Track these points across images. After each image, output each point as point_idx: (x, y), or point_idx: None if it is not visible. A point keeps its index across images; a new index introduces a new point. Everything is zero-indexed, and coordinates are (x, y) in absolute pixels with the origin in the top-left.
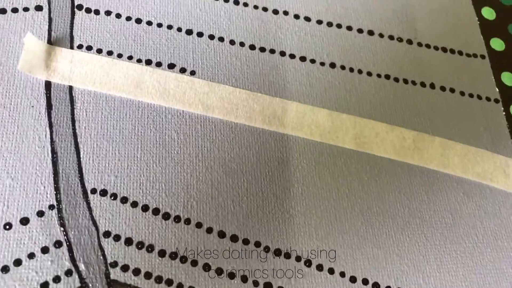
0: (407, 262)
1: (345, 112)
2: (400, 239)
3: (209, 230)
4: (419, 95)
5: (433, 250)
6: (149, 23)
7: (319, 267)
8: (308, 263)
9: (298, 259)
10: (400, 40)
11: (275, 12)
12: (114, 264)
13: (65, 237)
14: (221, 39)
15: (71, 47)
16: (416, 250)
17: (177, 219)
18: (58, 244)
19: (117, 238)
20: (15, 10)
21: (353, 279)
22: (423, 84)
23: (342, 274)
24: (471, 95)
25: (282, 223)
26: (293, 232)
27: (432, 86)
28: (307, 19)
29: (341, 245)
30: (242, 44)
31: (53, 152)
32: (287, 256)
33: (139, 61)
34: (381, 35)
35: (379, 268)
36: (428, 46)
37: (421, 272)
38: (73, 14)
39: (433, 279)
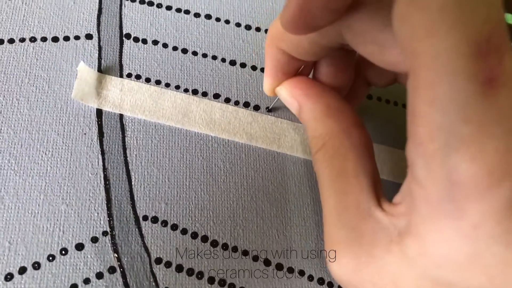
0: None
1: (401, 149)
2: None
3: (255, 258)
4: None
5: None
6: (195, 53)
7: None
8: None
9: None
10: None
11: None
12: None
13: (119, 263)
14: (262, 70)
15: (121, 76)
16: None
17: (225, 246)
18: (112, 270)
19: (168, 264)
20: (66, 39)
21: None
22: None
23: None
24: None
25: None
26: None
27: None
28: None
29: None
30: None
31: (106, 179)
32: (330, 285)
33: (186, 90)
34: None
35: None
36: None
37: None
38: (121, 43)
39: None
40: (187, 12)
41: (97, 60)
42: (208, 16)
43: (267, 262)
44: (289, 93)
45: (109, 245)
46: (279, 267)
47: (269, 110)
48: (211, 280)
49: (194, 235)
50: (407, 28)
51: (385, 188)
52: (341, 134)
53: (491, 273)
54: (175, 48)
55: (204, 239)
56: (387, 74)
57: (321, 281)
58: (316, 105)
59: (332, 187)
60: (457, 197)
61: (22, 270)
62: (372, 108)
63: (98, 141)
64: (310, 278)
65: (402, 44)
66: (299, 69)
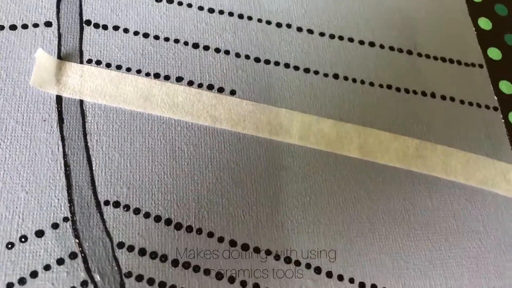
0: (414, 267)
1: (349, 122)
2: (406, 245)
3: (221, 240)
4: (420, 104)
5: (438, 255)
6: (156, 37)
7: (329, 274)
8: (318, 270)
9: (308, 266)
10: (400, 51)
11: (279, 25)
12: (129, 275)
13: (80, 249)
14: (227, 52)
15: (81, 62)
16: (422, 255)
17: (189, 229)
18: (73, 255)
19: (130, 248)
20: (25, 26)
21: (362, 285)
22: (424, 94)
23: (351, 280)
24: (470, 104)
25: (291, 231)
26: (303, 241)
27: (433, 95)
28: (310, 31)
29: (349, 251)
30: (247, 57)
31: (66, 165)
32: (297, 263)
33: (147, 74)
34: (381, 46)
35: (387, 273)
36: (427, 56)
37: (427, 277)
38: (81, 29)
39: (439, 283)
40: None
41: (56, 47)
42: (170, 1)
43: (232, 243)
44: None
45: (70, 231)
46: (245, 247)
47: None
48: (175, 263)
49: (158, 219)
50: None
51: None
52: None
53: None
54: (136, 33)
55: (168, 222)
56: None
57: (287, 259)
58: None
59: None
60: None
61: None
62: None
63: (58, 127)
64: (277, 257)
65: None
66: None
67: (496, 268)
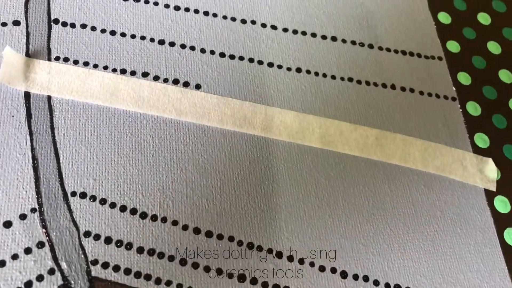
0: (373, 251)
1: (311, 113)
2: (365, 230)
3: (185, 227)
4: (381, 96)
5: (397, 239)
6: (123, 34)
7: (290, 258)
8: (279, 255)
9: (269, 251)
10: (361, 45)
11: (243, 21)
12: (95, 262)
13: (47, 238)
14: (192, 48)
15: (49, 59)
16: (381, 239)
17: (154, 218)
18: (40, 245)
19: (97, 237)
20: None
21: (322, 268)
22: (384, 85)
23: (312, 264)
24: (429, 94)
25: (254, 218)
26: (265, 226)
27: (393, 87)
28: (274, 27)
29: (310, 237)
30: (212, 52)
31: (34, 158)
32: (259, 248)
33: (114, 70)
34: (343, 41)
35: (347, 257)
36: (388, 49)
37: (386, 259)
38: (49, 28)
39: (397, 266)
40: None
41: (25, 45)
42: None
43: (196, 231)
44: None
45: (37, 221)
46: (209, 234)
47: None
48: (140, 250)
49: (123, 208)
50: None
51: None
52: None
53: None
54: (103, 31)
55: (133, 211)
56: None
57: (250, 245)
58: None
59: None
60: None
61: None
62: None
63: (26, 122)
64: (240, 243)
65: None
66: None
67: (452, 250)
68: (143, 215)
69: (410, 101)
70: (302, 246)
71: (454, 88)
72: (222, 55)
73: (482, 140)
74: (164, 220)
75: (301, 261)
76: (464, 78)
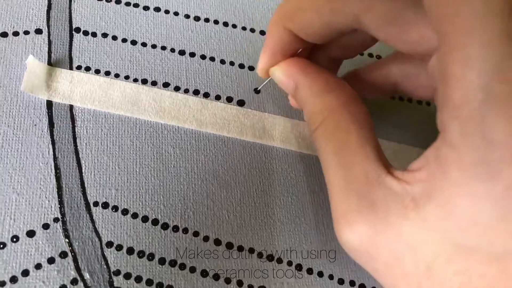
0: None
1: None
2: None
3: (206, 239)
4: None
5: None
6: (144, 44)
7: (309, 271)
8: (299, 267)
9: (289, 263)
10: None
11: (262, 33)
12: (117, 272)
13: (70, 248)
14: (212, 59)
15: (71, 68)
16: None
17: (175, 228)
18: (63, 254)
19: (119, 248)
20: (16, 34)
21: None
22: None
23: (331, 277)
24: None
25: (273, 230)
26: (284, 239)
27: None
28: None
29: (327, 249)
30: (232, 63)
31: (56, 168)
32: (279, 261)
33: (135, 80)
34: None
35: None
36: None
37: None
38: (71, 36)
39: None
40: (136, 5)
41: (47, 53)
42: (157, 9)
43: (217, 242)
44: (285, 73)
45: (60, 231)
46: (229, 246)
47: (257, 92)
48: (161, 261)
49: (145, 219)
50: None
51: None
52: (341, 108)
53: None
54: (124, 40)
55: (155, 222)
56: (385, 85)
57: (270, 257)
58: (314, 81)
59: (337, 160)
60: (492, 158)
61: None
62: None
63: (48, 131)
64: (260, 255)
65: (431, 10)
66: (297, 52)
67: None
68: (165, 226)
69: None
70: (322, 260)
71: None
72: (241, 66)
73: None
74: (185, 231)
75: (331, 277)
76: None
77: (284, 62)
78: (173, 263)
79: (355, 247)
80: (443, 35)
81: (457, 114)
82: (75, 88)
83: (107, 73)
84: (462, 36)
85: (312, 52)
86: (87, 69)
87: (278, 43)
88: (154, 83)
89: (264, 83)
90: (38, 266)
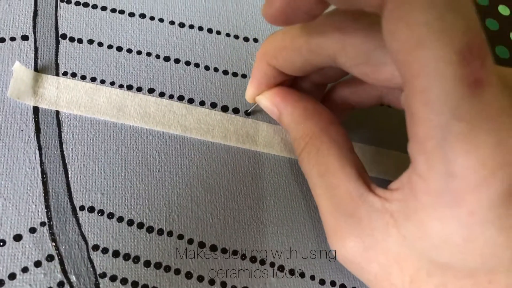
0: None
1: None
2: None
3: (190, 241)
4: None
5: None
6: (129, 50)
7: (291, 272)
8: (281, 268)
9: (272, 264)
10: None
11: (246, 39)
12: (103, 275)
13: (57, 251)
14: (196, 65)
15: (57, 74)
16: None
17: (160, 231)
18: (50, 258)
19: (105, 251)
20: (2, 40)
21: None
22: None
23: (322, 282)
24: None
25: (256, 232)
26: (267, 241)
27: None
28: None
29: (308, 249)
30: (216, 69)
31: (43, 172)
32: (262, 262)
33: (121, 86)
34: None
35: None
36: None
37: None
38: (57, 43)
39: None
40: (121, 12)
41: (33, 60)
42: (143, 15)
43: (201, 245)
44: (269, 101)
45: (47, 234)
46: (213, 248)
47: (248, 114)
48: (147, 264)
49: (130, 222)
50: (398, 42)
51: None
52: (321, 133)
53: (485, 255)
54: (110, 47)
55: (140, 225)
56: (370, 97)
57: (253, 259)
58: (294, 109)
59: (322, 181)
60: (455, 188)
61: None
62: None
63: (35, 137)
64: (243, 257)
65: (395, 57)
66: (281, 82)
67: None
68: (150, 229)
69: None
70: (305, 261)
71: None
72: (225, 72)
73: None
74: (170, 234)
75: (302, 275)
76: None
77: (268, 91)
78: (158, 266)
79: (349, 260)
80: (406, 79)
81: (422, 149)
82: (61, 94)
83: (93, 79)
84: (423, 80)
85: (297, 79)
86: (73, 75)
87: (263, 76)
88: (139, 89)
89: (252, 107)
90: (25, 270)
